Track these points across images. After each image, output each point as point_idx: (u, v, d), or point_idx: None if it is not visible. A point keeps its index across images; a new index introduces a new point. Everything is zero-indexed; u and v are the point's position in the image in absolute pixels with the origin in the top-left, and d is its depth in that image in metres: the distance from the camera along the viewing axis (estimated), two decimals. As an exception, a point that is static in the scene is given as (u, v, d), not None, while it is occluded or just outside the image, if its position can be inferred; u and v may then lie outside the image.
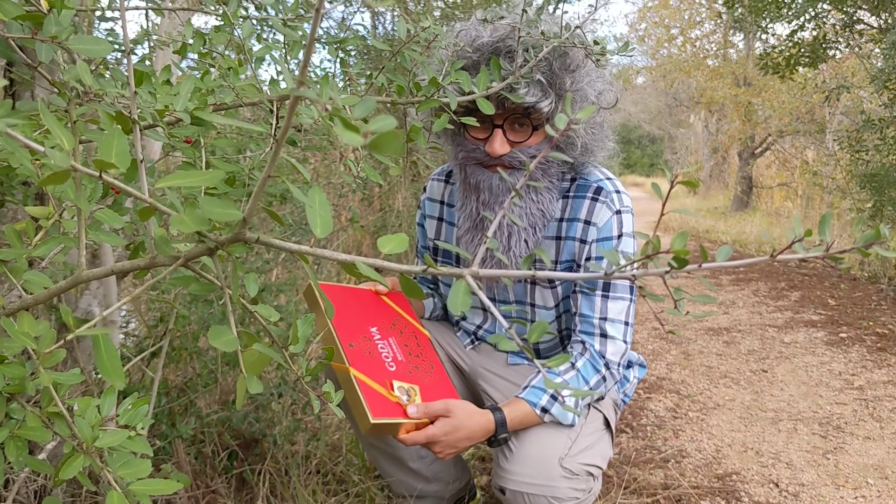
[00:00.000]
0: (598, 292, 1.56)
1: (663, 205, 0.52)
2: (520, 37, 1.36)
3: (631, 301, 1.57)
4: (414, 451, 1.77)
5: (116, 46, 1.63)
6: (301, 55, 1.18)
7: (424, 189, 1.85)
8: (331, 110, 0.43)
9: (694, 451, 2.73)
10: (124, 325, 2.64)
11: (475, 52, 1.46)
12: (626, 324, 1.57)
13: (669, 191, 0.50)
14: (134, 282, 2.60)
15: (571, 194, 1.61)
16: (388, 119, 0.42)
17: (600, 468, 1.55)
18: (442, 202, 1.80)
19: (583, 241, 1.59)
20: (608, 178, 1.62)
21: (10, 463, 0.85)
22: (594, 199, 1.58)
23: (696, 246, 8.79)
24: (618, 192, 1.60)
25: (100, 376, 2.04)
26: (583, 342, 1.57)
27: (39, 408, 0.87)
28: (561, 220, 1.61)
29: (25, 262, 0.76)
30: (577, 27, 1.41)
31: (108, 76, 0.83)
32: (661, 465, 2.60)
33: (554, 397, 1.48)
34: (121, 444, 0.81)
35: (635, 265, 0.54)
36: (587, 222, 1.58)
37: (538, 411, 1.48)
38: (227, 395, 2.36)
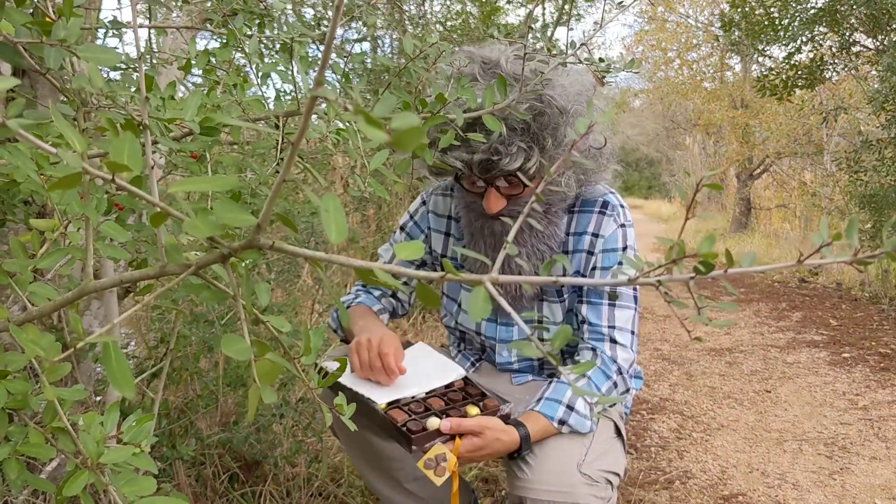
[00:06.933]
0: (605, 301, 1.60)
1: (688, 209, 0.51)
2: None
3: (635, 310, 1.62)
4: (409, 471, 1.73)
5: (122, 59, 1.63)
6: (306, 74, 1.17)
7: (424, 202, 1.83)
8: (353, 109, 0.42)
9: (699, 472, 2.70)
10: (124, 345, 2.62)
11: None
12: (633, 333, 1.61)
13: (695, 194, 0.49)
14: (137, 299, 2.58)
15: (577, 209, 1.65)
16: (411, 116, 0.41)
17: (617, 475, 1.55)
18: (449, 217, 1.78)
19: (590, 253, 1.63)
20: (611, 192, 1.67)
21: (7, 484, 0.83)
22: (601, 213, 1.63)
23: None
24: (622, 206, 1.65)
25: (99, 398, 2.01)
26: (593, 349, 1.59)
27: (41, 426, 0.85)
28: (568, 234, 1.65)
29: (30, 273, 0.74)
30: (582, 44, 1.42)
31: (117, 80, 0.82)
32: (666, 487, 2.57)
33: (570, 408, 1.49)
34: (126, 461, 0.79)
35: (659, 270, 0.53)
36: (595, 234, 1.62)
37: (556, 424, 1.48)
38: (227, 417, 2.33)
